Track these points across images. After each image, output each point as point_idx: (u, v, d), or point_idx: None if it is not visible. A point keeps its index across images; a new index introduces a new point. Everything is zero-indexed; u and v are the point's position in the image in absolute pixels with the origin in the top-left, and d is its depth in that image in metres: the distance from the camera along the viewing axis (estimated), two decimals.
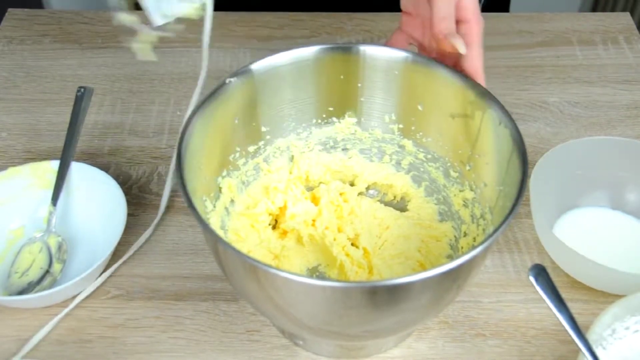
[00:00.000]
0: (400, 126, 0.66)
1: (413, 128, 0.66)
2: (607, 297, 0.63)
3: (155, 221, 0.71)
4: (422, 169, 0.67)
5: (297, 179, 0.68)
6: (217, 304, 0.64)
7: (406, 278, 0.44)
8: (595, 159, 0.69)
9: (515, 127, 0.55)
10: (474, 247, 0.47)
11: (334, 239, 0.64)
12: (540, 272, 0.52)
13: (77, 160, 0.71)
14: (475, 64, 0.60)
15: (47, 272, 0.65)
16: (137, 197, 0.74)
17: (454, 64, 0.61)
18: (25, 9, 0.98)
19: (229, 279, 0.53)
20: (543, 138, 0.81)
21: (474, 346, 0.61)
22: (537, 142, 0.80)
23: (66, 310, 0.63)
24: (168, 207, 0.73)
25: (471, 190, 0.62)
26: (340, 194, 0.67)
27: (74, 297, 0.64)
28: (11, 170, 0.69)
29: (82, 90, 0.73)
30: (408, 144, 0.67)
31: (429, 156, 0.66)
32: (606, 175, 0.70)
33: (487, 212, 0.59)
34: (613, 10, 1.84)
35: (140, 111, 0.84)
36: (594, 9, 1.90)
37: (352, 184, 0.69)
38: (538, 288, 0.52)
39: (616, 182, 0.70)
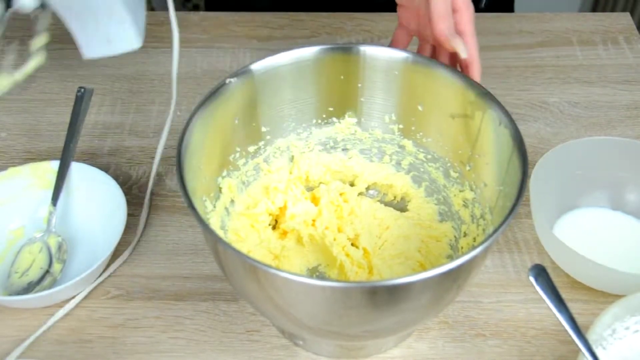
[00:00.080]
0: (401, 126, 0.66)
1: (413, 128, 0.66)
2: (607, 297, 0.63)
3: (143, 218, 0.70)
4: (422, 169, 0.67)
5: (297, 179, 0.68)
6: (217, 304, 0.64)
7: (406, 278, 0.44)
8: (595, 159, 0.69)
9: (515, 127, 0.55)
10: (474, 247, 0.47)
11: (334, 239, 0.64)
12: (540, 272, 0.52)
13: (77, 160, 0.71)
14: (470, 51, 0.61)
15: (47, 272, 0.65)
16: (137, 197, 0.73)
17: (451, 53, 0.62)
18: None
19: (229, 279, 0.53)
20: (543, 138, 0.81)
21: (474, 346, 0.61)
22: (537, 142, 0.80)
23: (66, 310, 0.63)
24: (168, 207, 0.73)
25: (471, 190, 0.62)
26: (340, 194, 0.67)
27: (74, 297, 0.64)
28: (11, 170, 0.69)
29: (82, 90, 0.73)
30: (408, 144, 0.67)
31: (429, 156, 0.66)
32: (606, 175, 0.70)
33: (487, 212, 0.59)
34: (613, 10, 1.84)
35: (140, 111, 0.84)
36: (594, 9, 1.90)
37: (352, 184, 0.69)
38: (538, 288, 0.52)
39: (616, 182, 0.70)
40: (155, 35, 0.94)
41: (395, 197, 0.69)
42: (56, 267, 0.66)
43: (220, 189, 0.62)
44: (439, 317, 0.63)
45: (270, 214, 0.66)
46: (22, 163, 0.70)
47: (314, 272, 0.65)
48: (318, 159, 0.68)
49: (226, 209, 0.63)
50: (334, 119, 0.67)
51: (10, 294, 0.63)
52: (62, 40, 0.93)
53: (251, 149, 0.65)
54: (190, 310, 0.64)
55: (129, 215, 0.67)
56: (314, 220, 0.65)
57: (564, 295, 0.52)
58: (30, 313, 0.63)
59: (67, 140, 0.71)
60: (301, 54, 0.61)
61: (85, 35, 0.61)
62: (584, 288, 0.65)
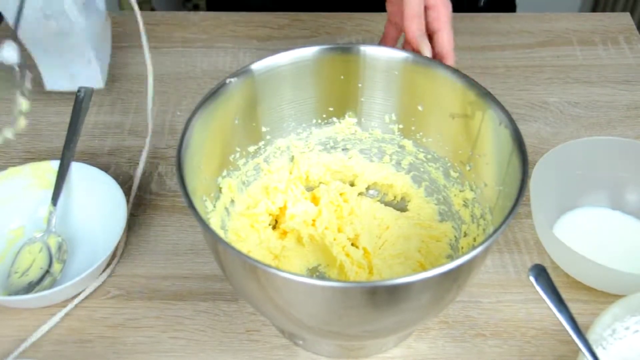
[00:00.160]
0: (401, 126, 0.66)
1: (413, 128, 0.66)
2: (607, 297, 0.63)
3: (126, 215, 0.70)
4: (422, 169, 0.67)
5: (297, 179, 0.68)
6: (217, 304, 0.64)
7: (406, 278, 0.44)
8: (595, 159, 0.69)
9: (515, 127, 0.55)
10: (474, 247, 0.47)
11: (334, 239, 0.64)
12: (540, 272, 0.52)
13: (77, 160, 0.71)
14: (445, 46, 0.65)
15: (47, 272, 0.65)
16: (137, 197, 0.73)
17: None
18: None
19: (229, 279, 0.53)
20: (543, 138, 0.81)
21: (474, 346, 0.61)
22: (537, 142, 0.80)
23: (66, 310, 0.63)
24: (168, 207, 0.73)
25: (471, 190, 0.62)
26: (340, 194, 0.67)
27: (74, 297, 0.64)
28: (11, 170, 0.69)
29: (82, 90, 0.73)
30: (408, 144, 0.67)
31: (429, 156, 0.66)
32: (606, 175, 0.70)
33: (487, 212, 0.59)
34: (613, 10, 1.85)
35: (140, 111, 0.84)
36: (594, 9, 1.90)
37: (352, 184, 0.69)
38: (538, 288, 0.52)
39: (616, 182, 0.70)
40: (155, 36, 0.94)
41: (395, 197, 0.69)
42: (56, 267, 0.66)
43: (220, 189, 0.62)
44: (439, 317, 0.63)
45: (270, 214, 0.66)
46: (22, 163, 0.70)
47: (314, 272, 0.65)
48: (318, 159, 0.68)
49: (226, 209, 0.63)
50: (334, 119, 0.67)
51: (10, 294, 0.63)
52: None
53: (251, 149, 0.65)
54: (190, 310, 0.64)
55: (129, 215, 0.67)
56: (314, 220, 0.65)
57: (564, 295, 0.52)
58: (30, 313, 0.63)
59: (67, 140, 0.71)
60: (301, 54, 0.61)
61: (50, 70, 0.63)
62: (584, 288, 0.65)
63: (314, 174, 0.68)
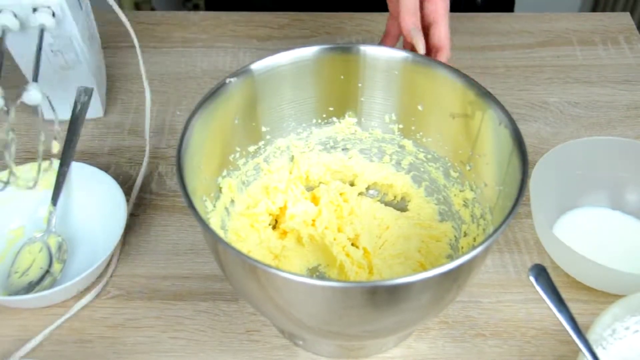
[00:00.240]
0: (401, 126, 0.66)
1: (413, 128, 0.66)
2: (607, 297, 0.63)
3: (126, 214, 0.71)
4: (422, 169, 0.67)
5: (297, 179, 0.68)
6: (217, 304, 0.64)
7: (406, 278, 0.44)
8: (595, 159, 0.69)
9: (515, 127, 0.55)
10: (474, 247, 0.47)
11: (334, 239, 0.64)
12: (540, 272, 0.52)
13: (77, 160, 0.71)
14: (441, 39, 0.66)
15: (47, 272, 0.65)
16: (137, 197, 0.73)
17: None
18: None
19: (229, 279, 0.53)
20: (543, 138, 0.81)
21: (474, 346, 0.61)
22: (537, 142, 0.80)
23: (74, 310, 0.63)
24: (168, 207, 0.73)
25: (471, 190, 0.62)
26: (340, 194, 0.67)
27: (78, 298, 0.64)
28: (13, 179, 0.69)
29: (82, 90, 0.73)
30: (408, 144, 0.67)
31: (429, 156, 0.66)
32: (606, 175, 0.70)
33: (487, 212, 0.59)
34: (613, 10, 1.85)
35: (140, 111, 0.84)
36: (594, 9, 1.90)
37: (352, 184, 0.69)
38: (538, 288, 0.52)
39: (616, 182, 0.70)
40: (155, 35, 0.94)
41: (395, 197, 0.69)
42: (56, 267, 0.66)
43: (220, 189, 0.62)
44: (439, 317, 0.63)
45: (270, 214, 0.66)
46: (22, 163, 0.70)
47: (314, 272, 0.65)
48: (318, 158, 0.68)
49: (226, 208, 0.63)
50: (334, 119, 0.67)
51: (10, 294, 0.63)
52: None
53: (251, 148, 0.65)
54: (190, 310, 0.64)
55: (129, 215, 0.67)
56: (313, 220, 0.65)
57: (564, 295, 0.52)
58: (30, 313, 0.63)
59: (67, 140, 0.71)
60: (301, 53, 0.61)
61: (52, 100, 0.64)
62: (584, 288, 0.65)
63: (314, 173, 0.68)
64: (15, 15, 0.64)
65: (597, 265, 0.59)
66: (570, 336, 0.51)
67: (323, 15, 0.97)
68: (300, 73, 0.62)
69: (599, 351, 0.53)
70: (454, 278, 0.49)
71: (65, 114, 0.71)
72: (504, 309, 0.64)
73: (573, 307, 0.52)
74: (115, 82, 0.87)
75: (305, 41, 0.93)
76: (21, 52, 0.69)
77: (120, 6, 1.64)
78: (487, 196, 0.60)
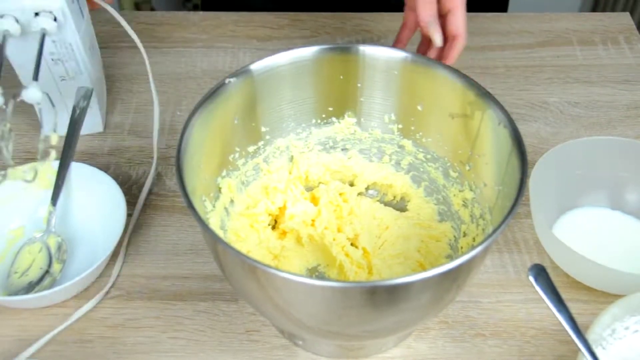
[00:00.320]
0: (400, 126, 0.66)
1: (413, 128, 0.66)
2: (607, 297, 0.63)
3: (135, 216, 0.71)
4: (421, 169, 0.67)
5: (296, 179, 0.68)
6: (216, 304, 0.64)
7: (405, 278, 0.44)
8: (595, 159, 0.69)
9: (514, 127, 0.55)
10: (473, 247, 0.47)
11: (334, 239, 0.64)
12: (540, 272, 0.52)
13: (77, 160, 0.71)
14: (459, 26, 0.67)
15: (47, 272, 0.65)
16: (137, 197, 0.73)
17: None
18: None
19: (229, 279, 0.53)
20: (543, 138, 0.81)
21: (473, 346, 0.61)
22: (537, 142, 0.80)
23: (82, 310, 0.63)
24: (168, 207, 0.73)
25: (471, 190, 0.62)
26: (340, 194, 0.67)
27: (86, 300, 0.64)
28: (11, 170, 0.69)
29: (82, 90, 0.73)
30: (408, 144, 0.67)
31: (429, 156, 0.66)
32: (606, 175, 0.70)
33: (486, 212, 0.59)
34: (613, 10, 1.84)
35: (140, 111, 0.84)
36: (594, 9, 1.90)
37: (351, 184, 0.69)
38: (538, 288, 0.52)
39: (616, 182, 0.70)
40: (155, 35, 0.94)
41: (394, 197, 0.69)
42: (56, 267, 0.66)
43: (219, 189, 0.62)
44: (439, 317, 0.63)
45: (269, 214, 0.66)
46: (22, 163, 0.70)
47: (313, 272, 0.65)
48: (317, 159, 0.68)
49: (226, 209, 0.63)
50: (334, 119, 0.67)
51: (10, 294, 0.63)
52: None
53: (251, 148, 0.65)
54: (189, 310, 0.64)
55: (129, 215, 0.67)
56: (313, 220, 0.65)
57: (564, 295, 0.52)
58: (30, 313, 0.63)
59: (67, 140, 0.71)
60: (300, 53, 0.61)
61: (52, 115, 0.65)
62: (583, 288, 0.65)
63: (314, 174, 0.68)
64: (17, 20, 0.64)
65: (597, 265, 0.59)
66: (570, 336, 0.51)
67: (323, 15, 0.97)
68: (299, 73, 0.62)
69: (598, 351, 0.53)
70: (454, 278, 0.49)
71: (62, 130, 0.71)
72: (504, 309, 0.64)
73: (573, 307, 0.52)
74: (115, 82, 0.87)
75: (305, 41, 0.93)
76: (20, 63, 0.69)
77: (120, 6, 1.64)
78: (487, 196, 0.60)
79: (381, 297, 0.46)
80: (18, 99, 0.62)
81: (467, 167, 0.62)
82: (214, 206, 0.60)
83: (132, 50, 0.91)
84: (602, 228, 0.69)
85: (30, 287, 0.64)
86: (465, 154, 0.62)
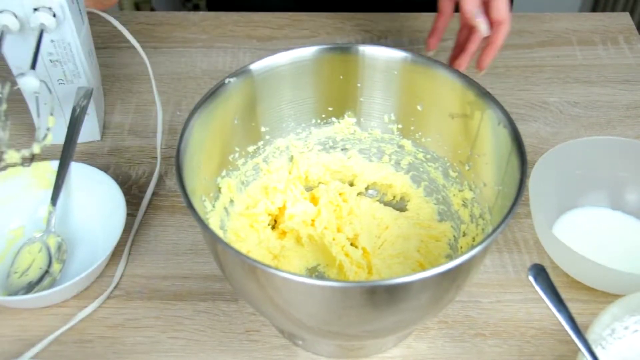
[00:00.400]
0: (400, 126, 0.66)
1: (412, 128, 0.66)
2: (606, 297, 0.63)
3: (139, 218, 0.71)
4: (421, 169, 0.67)
5: (296, 179, 0.68)
6: (216, 304, 0.64)
7: (405, 278, 0.44)
8: (595, 159, 0.69)
9: (514, 127, 0.55)
10: (473, 247, 0.47)
11: (333, 239, 0.64)
12: (540, 272, 0.52)
13: (77, 160, 0.71)
14: (502, 13, 0.68)
15: (47, 272, 0.65)
16: (137, 197, 0.74)
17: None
18: None
19: (229, 279, 0.53)
20: (543, 138, 0.81)
21: (473, 346, 0.61)
22: (536, 142, 0.80)
23: (87, 311, 0.63)
24: (168, 207, 0.73)
25: (470, 190, 0.62)
26: (340, 194, 0.67)
27: (90, 300, 0.64)
28: (11, 170, 0.69)
29: (82, 90, 0.73)
30: (407, 144, 0.67)
31: (428, 156, 0.66)
32: (606, 175, 0.70)
33: (486, 212, 0.59)
34: (613, 10, 1.84)
35: (140, 111, 0.84)
36: (594, 9, 1.90)
37: (351, 184, 0.69)
38: (537, 288, 0.52)
39: (616, 182, 0.70)
40: (155, 35, 0.94)
41: (394, 197, 0.69)
42: (55, 267, 0.66)
43: (219, 189, 0.62)
44: (439, 317, 0.63)
45: (269, 214, 0.66)
46: (20, 163, 0.70)
47: (313, 272, 0.65)
48: (317, 158, 0.68)
49: (225, 209, 0.63)
50: (333, 119, 0.67)
51: (10, 294, 0.63)
52: None
53: (250, 148, 0.65)
54: (189, 310, 0.64)
55: (129, 215, 0.67)
56: (313, 220, 0.65)
57: (564, 295, 0.52)
58: (30, 313, 0.63)
59: (67, 140, 0.71)
60: (300, 53, 0.61)
61: (49, 99, 0.64)
62: (583, 288, 0.65)
63: (313, 173, 0.68)
64: (16, 16, 0.64)
65: (597, 265, 0.59)
66: (570, 336, 0.51)
67: (323, 15, 0.97)
68: (299, 73, 0.62)
69: (598, 351, 0.53)
70: (453, 278, 0.49)
71: (59, 138, 0.71)
72: (504, 309, 0.64)
73: (572, 307, 0.52)
74: (115, 83, 0.87)
75: (305, 41, 0.93)
76: (18, 63, 0.69)
77: (120, 6, 1.64)
78: (486, 196, 0.60)
79: (381, 297, 0.46)
80: (15, 87, 0.61)
81: (467, 167, 0.62)
82: (213, 206, 0.60)
83: (132, 51, 0.91)
84: (602, 228, 0.70)
85: (30, 287, 0.64)
86: (465, 154, 0.62)
